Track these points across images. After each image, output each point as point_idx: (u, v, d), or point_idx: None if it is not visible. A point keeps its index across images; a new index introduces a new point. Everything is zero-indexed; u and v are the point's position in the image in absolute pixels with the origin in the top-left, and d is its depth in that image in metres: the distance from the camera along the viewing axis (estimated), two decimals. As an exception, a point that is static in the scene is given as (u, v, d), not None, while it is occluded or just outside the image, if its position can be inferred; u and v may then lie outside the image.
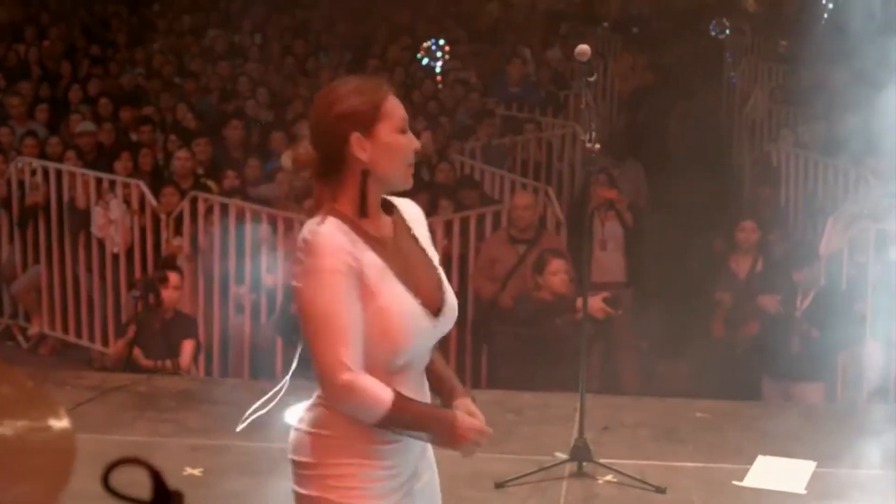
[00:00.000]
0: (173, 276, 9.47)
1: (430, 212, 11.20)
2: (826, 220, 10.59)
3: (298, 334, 3.46)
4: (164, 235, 10.98)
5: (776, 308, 9.52)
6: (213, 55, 17.58)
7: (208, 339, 10.49)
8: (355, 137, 3.43)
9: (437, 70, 16.84)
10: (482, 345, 10.29)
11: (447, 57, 16.94)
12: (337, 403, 3.42)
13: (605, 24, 20.84)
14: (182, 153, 11.95)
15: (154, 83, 16.08)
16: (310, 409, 3.53)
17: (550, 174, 14.09)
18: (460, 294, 10.12)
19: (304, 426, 3.51)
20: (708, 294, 10.41)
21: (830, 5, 23.53)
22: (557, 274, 9.26)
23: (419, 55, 16.95)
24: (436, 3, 23.07)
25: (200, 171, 12.03)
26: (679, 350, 10.85)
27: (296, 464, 3.51)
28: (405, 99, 14.45)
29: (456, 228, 10.58)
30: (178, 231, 10.92)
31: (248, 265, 10.37)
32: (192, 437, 7.40)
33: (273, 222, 10.42)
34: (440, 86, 16.25)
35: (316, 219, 3.41)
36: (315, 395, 3.51)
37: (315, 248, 3.36)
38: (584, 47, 6.44)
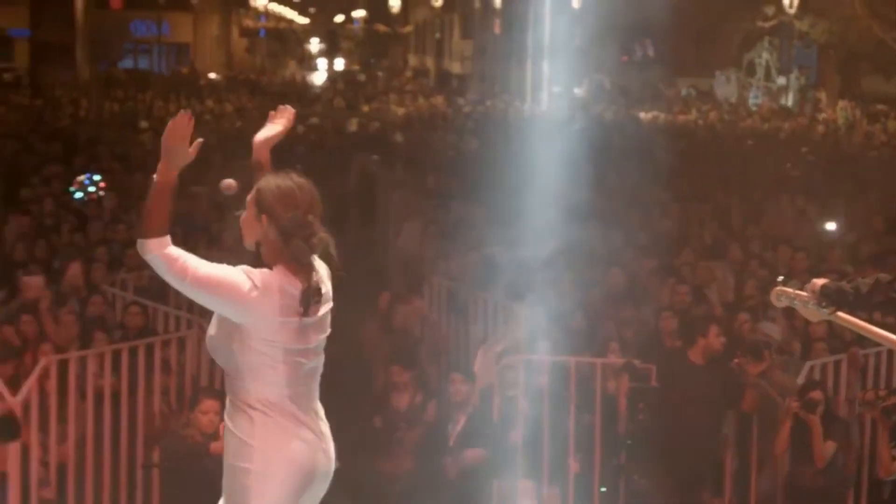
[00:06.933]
0: None
1: (84, 344, 10.89)
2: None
3: None
4: None
5: None
6: None
7: None
8: None
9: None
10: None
11: (101, 193, 16.64)
12: None
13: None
14: None
15: None
16: None
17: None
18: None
19: None
20: (364, 426, 10.42)
21: (475, 145, 24.41)
22: (208, 414, 9.11)
23: (71, 188, 16.60)
24: (90, 135, 22.77)
25: None
26: (335, 482, 10.78)
27: None
28: (54, 231, 14.10)
29: (108, 361, 10.30)
30: None
31: None
32: None
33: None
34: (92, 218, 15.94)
35: None
36: None
37: None
38: (229, 181, 6.41)
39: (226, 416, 5.28)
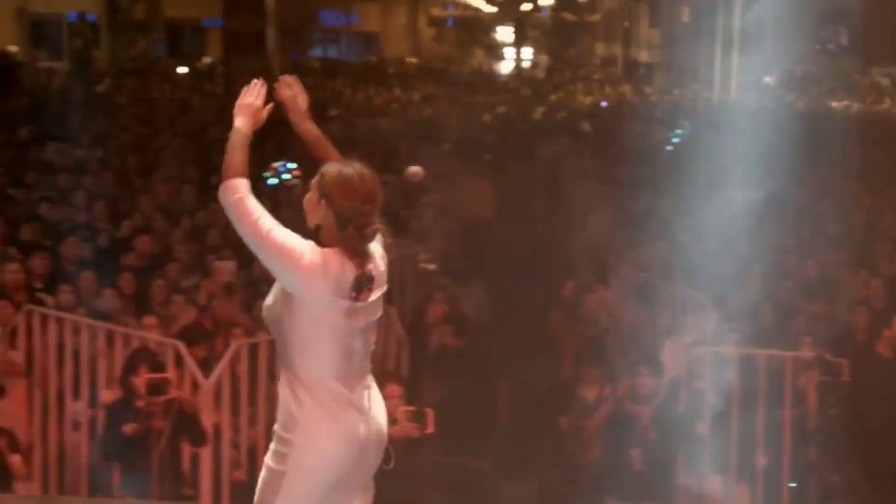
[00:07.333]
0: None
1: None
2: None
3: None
4: (-4, 350, 10.66)
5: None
6: (52, 167, 17.30)
7: (45, 455, 10.22)
8: None
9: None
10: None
11: (295, 181, 16.83)
12: None
13: (447, 146, 21.00)
14: (12, 266, 11.62)
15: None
16: None
17: (392, 294, 14.00)
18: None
19: None
20: (551, 416, 10.41)
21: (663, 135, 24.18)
22: (391, 399, 9.15)
23: (266, 174, 16.80)
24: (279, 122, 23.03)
25: (38, 284, 11.75)
26: (523, 471, 10.79)
27: None
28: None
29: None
30: (12, 345, 10.61)
31: (86, 381, 10.14)
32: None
33: (110, 337, 10.23)
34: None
35: None
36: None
37: None
38: (415, 168, 6.45)
39: (279, 386, 5.37)
